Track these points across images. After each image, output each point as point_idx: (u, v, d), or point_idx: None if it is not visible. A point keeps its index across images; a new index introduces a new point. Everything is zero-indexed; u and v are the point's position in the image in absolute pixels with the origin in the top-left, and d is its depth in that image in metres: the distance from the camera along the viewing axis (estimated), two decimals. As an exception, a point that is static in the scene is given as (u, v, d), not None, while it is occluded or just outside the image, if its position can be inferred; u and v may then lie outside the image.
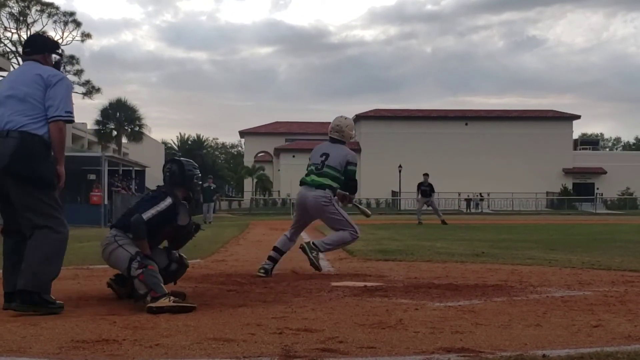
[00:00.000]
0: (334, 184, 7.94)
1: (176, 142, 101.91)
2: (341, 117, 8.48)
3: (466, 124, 71.80)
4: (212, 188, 33.08)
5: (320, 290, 6.24)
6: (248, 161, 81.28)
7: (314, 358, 3.46)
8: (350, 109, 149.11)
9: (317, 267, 7.79)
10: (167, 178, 5.96)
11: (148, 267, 5.23)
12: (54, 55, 5.37)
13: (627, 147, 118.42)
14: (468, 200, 63.77)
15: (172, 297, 5.02)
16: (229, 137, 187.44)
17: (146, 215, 5.49)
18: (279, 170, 76.32)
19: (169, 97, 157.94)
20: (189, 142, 63.47)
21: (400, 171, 66.49)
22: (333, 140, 8.27)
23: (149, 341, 3.89)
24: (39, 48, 5.34)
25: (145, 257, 5.34)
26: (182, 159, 6.17)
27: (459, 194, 64.04)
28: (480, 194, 65.68)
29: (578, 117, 78.76)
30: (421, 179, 27.03)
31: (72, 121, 5.17)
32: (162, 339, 3.95)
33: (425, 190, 26.51)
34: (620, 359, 3.41)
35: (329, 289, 6.34)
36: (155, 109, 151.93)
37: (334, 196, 7.92)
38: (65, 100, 5.05)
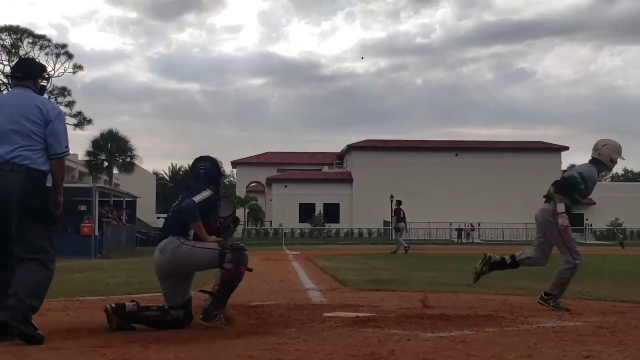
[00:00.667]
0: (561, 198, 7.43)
1: (167, 173, 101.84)
2: (605, 139, 7.99)
3: (456, 155, 72.02)
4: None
5: (312, 321, 6.23)
6: (240, 191, 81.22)
7: (306, 389, 3.46)
8: (342, 140, 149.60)
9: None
10: (201, 175, 6.08)
11: (239, 268, 5.54)
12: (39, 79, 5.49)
13: (616, 178, 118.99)
14: (459, 230, 63.75)
15: (222, 319, 5.21)
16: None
17: (197, 198, 5.66)
18: (271, 200, 76.30)
19: (160, 127, 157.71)
20: (181, 172, 63.33)
21: (392, 201, 66.50)
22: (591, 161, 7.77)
23: (141, 373, 3.88)
24: (30, 74, 5.41)
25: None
26: (213, 156, 6.30)
27: (450, 224, 64.04)
28: (471, 224, 65.70)
29: (566, 148, 79.24)
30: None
31: (69, 154, 5.34)
32: (154, 371, 3.93)
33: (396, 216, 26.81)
34: (611, 389, 3.42)
35: (321, 319, 6.33)
36: (147, 139, 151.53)
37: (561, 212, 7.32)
38: (65, 136, 5.23)
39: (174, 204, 5.99)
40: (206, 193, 5.84)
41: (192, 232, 5.70)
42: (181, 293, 5.87)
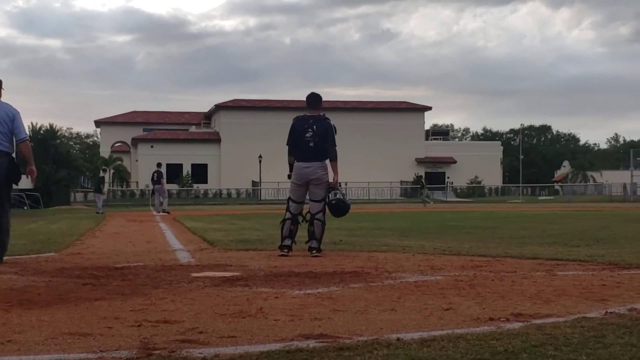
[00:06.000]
0: None
1: (28, 132, 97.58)
2: None
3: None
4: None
5: (180, 281, 6.18)
6: (104, 151, 79.11)
7: (174, 350, 3.43)
8: (210, 99, 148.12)
9: None
10: None
11: None
12: None
13: (476, 137, 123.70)
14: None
15: None
16: (85, 126, 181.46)
17: None
18: (136, 160, 74.69)
19: (21, 85, 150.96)
20: (42, 131, 60.84)
21: (260, 161, 66.65)
22: None
23: (0, 338, 3.74)
24: None
25: None
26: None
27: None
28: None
29: (429, 108, 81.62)
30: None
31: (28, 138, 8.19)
32: (15, 335, 3.80)
33: None
34: (470, 340, 3.58)
35: (189, 279, 6.29)
36: (7, 97, 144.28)
37: None
38: (23, 127, 7.96)
39: None
40: None
41: None
42: None
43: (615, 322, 4.02)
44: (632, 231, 13.35)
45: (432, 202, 43.23)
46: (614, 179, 75.40)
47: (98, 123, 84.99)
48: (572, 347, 3.39)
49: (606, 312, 4.36)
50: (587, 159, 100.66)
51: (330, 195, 8.97)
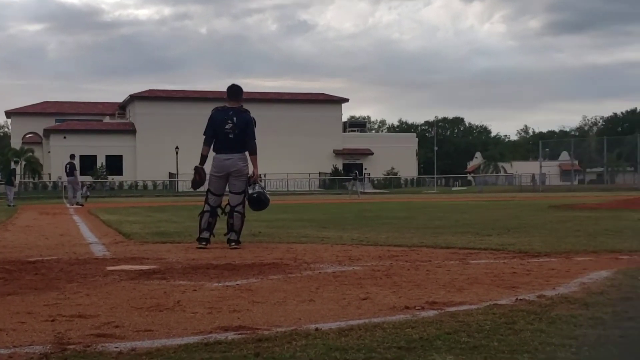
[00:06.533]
0: None
1: None
2: None
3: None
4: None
5: (95, 275, 6.08)
6: (15, 143, 76.82)
7: (89, 344, 3.38)
8: (125, 89, 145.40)
9: None
10: None
11: None
12: None
13: (392, 129, 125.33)
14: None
15: None
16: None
17: None
18: (49, 152, 72.79)
19: None
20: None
21: (177, 153, 65.88)
22: None
23: None
24: None
25: None
26: None
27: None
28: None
29: (347, 100, 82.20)
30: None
31: None
32: None
33: None
34: (386, 328, 3.64)
35: (104, 273, 6.19)
36: None
37: None
38: None
39: None
40: None
41: None
42: None
43: (525, 308, 4.15)
44: (541, 220, 13.77)
45: (359, 195, 43.65)
46: (523, 169, 77.61)
47: (9, 114, 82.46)
48: (485, 334, 3.49)
49: (516, 299, 4.50)
50: (498, 150, 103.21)
51: (250, 189, 8.96)
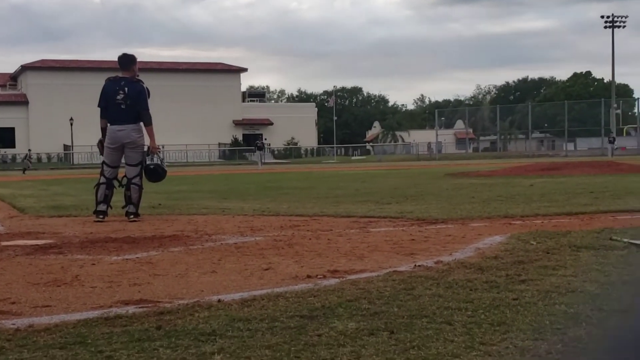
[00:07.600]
0: None
1: None
2: None
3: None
4: None
5: (-13, 251, 5.88)
6: None
7: (-15, 323, 3.28)
8: (15, 59, 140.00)
9: None
10: None
11: None
12: None
13: (291, 99, 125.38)
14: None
15: None
16: None
17: None
18: None
19: None
20: None
21: (72, 124, 64.10)
22: None
23: None
24: None
25: None
26: None
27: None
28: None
29: (245, 69, 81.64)
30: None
31: None
32: None
33: None
34: (289, 298, 3.68)
35: (-3, 250, 6.00)
36: None
37: None
38: None
39: None
40: None
41: None
42: None
43: (423, 274, 4.27)
44: (437, 188, 14.10)
45: (260, 166, 43.36)
46: (420, 138, 79.20)
47: None
48: (385, 300, 3.57)
49: (415, 265, 4.62)
50: (396, 119, 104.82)
51: (147, 160, 8.83)
